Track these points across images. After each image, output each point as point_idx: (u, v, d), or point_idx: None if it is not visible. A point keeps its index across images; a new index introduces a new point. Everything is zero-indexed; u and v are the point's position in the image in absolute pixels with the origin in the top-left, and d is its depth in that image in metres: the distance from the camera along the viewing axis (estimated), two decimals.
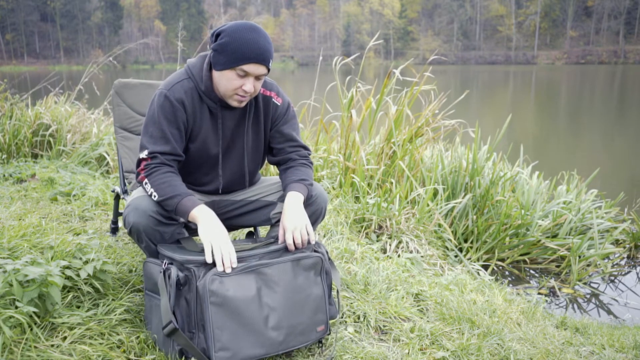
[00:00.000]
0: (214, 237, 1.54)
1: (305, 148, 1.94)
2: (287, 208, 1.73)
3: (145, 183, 1.67)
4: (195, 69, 1.76)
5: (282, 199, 1.93)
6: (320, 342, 1.74)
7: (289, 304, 1.60)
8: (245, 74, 1.65)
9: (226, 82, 1.67)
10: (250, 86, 1.66)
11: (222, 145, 1.83)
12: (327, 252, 1.73)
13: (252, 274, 1.56)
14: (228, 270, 1.53)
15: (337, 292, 1.79)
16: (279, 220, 1.91)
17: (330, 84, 4.19)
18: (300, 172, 1.85)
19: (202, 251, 1.59)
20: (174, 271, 1.51)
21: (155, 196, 1.64)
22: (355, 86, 3.95)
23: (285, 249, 1.67)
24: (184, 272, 1.52)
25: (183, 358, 1.50)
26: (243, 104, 1.74)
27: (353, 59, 4.31)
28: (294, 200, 1.75)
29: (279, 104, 1.88)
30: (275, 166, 1.99)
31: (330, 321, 1.92)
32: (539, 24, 76.78)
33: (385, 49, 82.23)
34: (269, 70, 1.70)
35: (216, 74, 1.70)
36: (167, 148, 1.70)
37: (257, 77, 1.69)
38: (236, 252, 1.58)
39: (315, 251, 1.70)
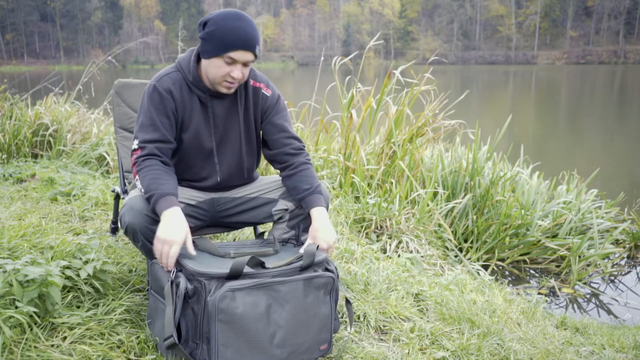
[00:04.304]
0: (165, 239, 1.53)
1: (299, 140, 1.95)
2: (319, 225, 1.76)
3: (137, 180, 1.69)
4: (183, 61, 1.81)
5: (283, 195, 1.94)
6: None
7: (296, 323, 1.58)
8: (233, 61, 1.68)
9: (214, 69, 1.70)
10: (238, 73, 1.69)
11: (215, 135, 1.85)
12: (336, 269, 1.71)
13: (265, 289, 1.52)
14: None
15: (347, 301, 1.78)
16: (281, 217, 1.93)
17: (331, 85, 4.19)
18: (309, 178, 1.86)
19: (218, 255, 1.62)
20: (182, 282, 1.48)
21: (143, 193, 1.66)
22: (355, 86, 3.95)
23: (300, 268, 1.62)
24: (193, 284, 1.49)
25: None
26: (232, 91, 1.76)
27: (352, 58, 4.31)
28: (323, 217, 1.79)
29: (268, 95, 1.90)
30: (273, 165, 1.99)
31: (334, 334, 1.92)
32: (539, 24, 76.79)
33: (385, 49, 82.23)
34: (256, 56, 1.73)
35: (204, 62, 1.74)
36: (156, 135, 1.73)
37: (245, 64, 1.72)
38: (265, 266, 1.56)
39: (327, 269, 1.68)
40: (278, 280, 1.54)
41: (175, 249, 1.53)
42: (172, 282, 1.50)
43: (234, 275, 1.48)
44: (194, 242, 1.68)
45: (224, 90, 1.75)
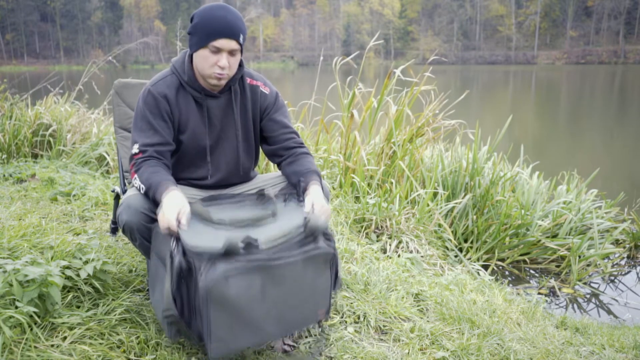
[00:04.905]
0: (164, 211, 1.50)
1: (298, 135, 1.97)
2: (316, 195, 1.70)
3: (135, 179, 1.69)
4: (178, 63, 1.83)
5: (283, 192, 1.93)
6: (318, 322, 1.66)
7: (294, 299, 1.54)
8: (218, 50, 1.70)
9: (202, 60, 1.73)
10: (224, 61, 1.71)
11: (210, 133, 1.85)
12: (332, 236, 1.66)
13: (260, 271, 1.47)
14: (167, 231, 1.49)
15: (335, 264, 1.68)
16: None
17: (332, 85, 4.20)
18: (308, 163, 1.86)
19: (212, 222, 1.56)
20: (178, 258, 1.43)
21: (142, 189, 1.66)
22: (356, 86, 3.95)
23: (302, 240, 1.55)
24: (187, 259, 1.44)
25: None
26: (222, 82, 1.77)
27: (353, 58, 4.31)
28: (317, 192, 1.72)
29: (267, 93, 1.92)
30: (272, 160, 1.99)
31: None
32: (539, 24, 76.73)
33: (385, 49, 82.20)
34: (241, 45, 1.74)
35: (194, 58, 1.76)
36: (156, 139, 1.74)
37: (231, 53, 1.73)
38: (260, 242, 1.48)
39: (326, 238, 1.61)
40: (275, 262, 1.48)
41: (173, 214, 1.49)
42: (171, 253, 1.46)
43: (230, 254, 1.42)
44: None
45: (214, 82, 1.76)
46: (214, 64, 1.71)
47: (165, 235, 1.54)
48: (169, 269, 1.46)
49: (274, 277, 1.49)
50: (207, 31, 1.68)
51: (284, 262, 1.50)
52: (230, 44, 1.70)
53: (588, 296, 3.32)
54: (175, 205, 1.52)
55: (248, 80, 1.89)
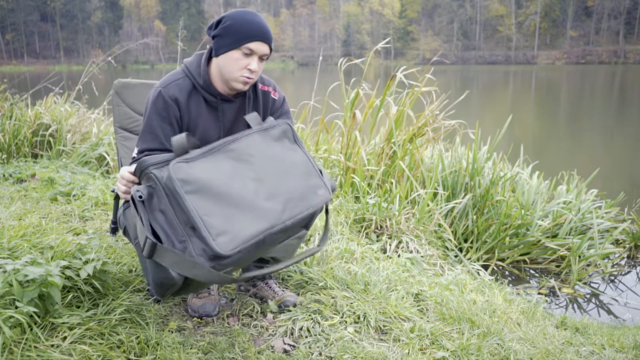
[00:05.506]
0: (118, 174, 1.58)
1: None
2: None
3: None
4: (192, 66, 1.80)
5: None
6: (326, 210, 1.65)
7: (274, 172, 1.53)
8: (251, 53, 1.70)
9: (233, 63, 1.71)
10: (255, 65, 1.71)
11: (221, 137, 1.85)
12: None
13: (219, 152, 1.49)
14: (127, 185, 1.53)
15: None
16: None
17: (333, 84, 4.20)
18: None
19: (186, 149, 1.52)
20: (134, 188, 1.43)
21: None
22: (360, 86, 3.96)
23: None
24: (148, 184, 1.44)
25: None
26: (247, 87, 1.77)
27: (355, 59, 4.32)
28: None
29: (276, 98, 1.95)
30: None
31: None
32: (539, 24, 76.73)
33: (385, 49, 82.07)
34: (271, 51, 1.76)
35: (219, 60, 1.73)
36: (155, 144, 1.74)
37: (261, 58, 1.74)
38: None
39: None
40: (228, 139, 1.54)
41: (127, 170, 1.56)
42: (132, 198, 1.45)
43: (180, 152, 1.46)
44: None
45: (239, 87, 1.75)
46: (244, 67, 1.70)
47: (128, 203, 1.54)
48: (137, 208, 1.43)
49: (239, 156, 1.53)
50: (242, 33, 1.68)
51: (239, 140, 1.55)
52: (264, 47, 1.71)
53: (588, 296, 3.32)
54: (130, 167, 1.57)
55: (260, 85, 1.90)
